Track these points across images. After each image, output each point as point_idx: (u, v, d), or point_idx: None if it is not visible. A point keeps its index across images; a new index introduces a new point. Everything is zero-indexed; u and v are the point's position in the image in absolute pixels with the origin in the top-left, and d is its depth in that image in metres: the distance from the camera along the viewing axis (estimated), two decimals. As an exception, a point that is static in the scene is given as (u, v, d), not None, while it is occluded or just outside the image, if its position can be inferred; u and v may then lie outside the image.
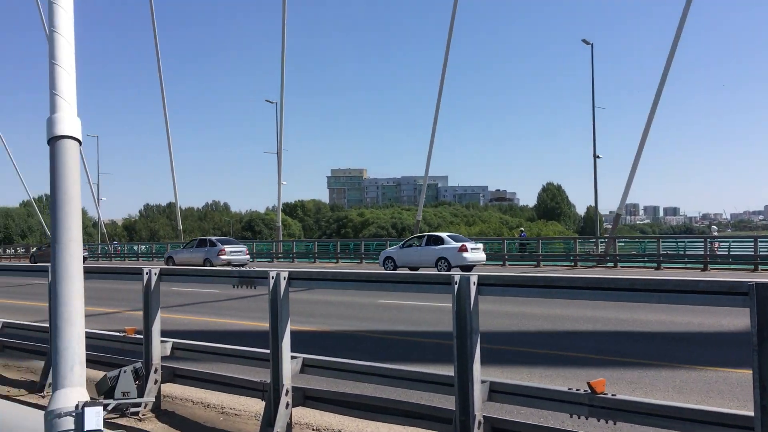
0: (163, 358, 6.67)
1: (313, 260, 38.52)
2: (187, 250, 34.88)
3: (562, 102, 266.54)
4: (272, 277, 5.64)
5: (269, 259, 41.06)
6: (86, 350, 7.93)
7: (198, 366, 6.94)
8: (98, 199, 56.23)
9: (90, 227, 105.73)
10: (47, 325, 7.95)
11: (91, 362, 7.56)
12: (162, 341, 6.69)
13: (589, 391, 4.32)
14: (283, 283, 5.60)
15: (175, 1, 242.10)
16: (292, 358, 5.66)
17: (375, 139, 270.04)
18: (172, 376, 6.67)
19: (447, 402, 5.66)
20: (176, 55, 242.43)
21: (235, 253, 33.01)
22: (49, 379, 7.49)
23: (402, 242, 29.44)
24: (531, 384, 4.74)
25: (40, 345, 8.32)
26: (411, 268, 26.27)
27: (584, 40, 36.25)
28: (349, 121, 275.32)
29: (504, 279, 4.61)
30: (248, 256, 34.41)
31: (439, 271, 25.13)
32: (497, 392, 4.70)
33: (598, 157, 36.04)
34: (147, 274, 6.66)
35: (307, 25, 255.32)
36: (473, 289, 4.58)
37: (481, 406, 4.57)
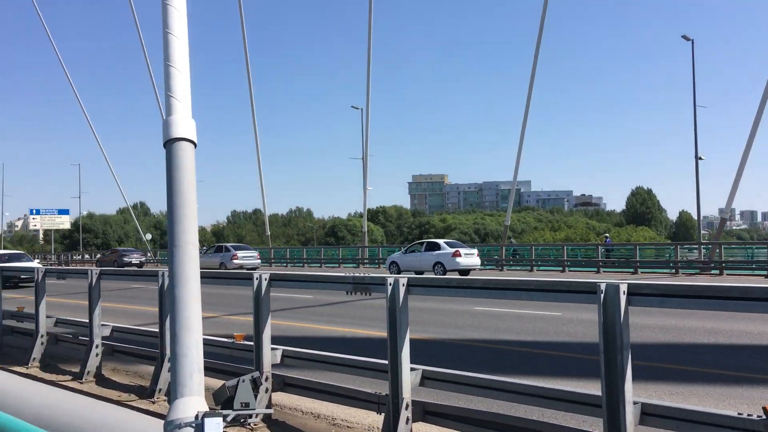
0: (273, 366, 6.49)
1: (399, 266, 38.25)
2: (207, 255, 38.13)
3: (651, 102, 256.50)
4: (390, 284, 5.33)
5: (355, 265, 41.15)
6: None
7: (306, 374, 6.72)
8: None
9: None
10: (156, 330, 7.96)
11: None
12: (272, 348, 6.50)
13: (765, 416, 3.77)
14: (402, 290, 5.28)
15: (258, 8, 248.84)
16: (411, 369, 5.32)
17: (456, 144, 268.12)
18: (282, 384, 6.46)
19: (571, 420, 5.22)
20: (260, 60, 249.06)
21: (246, 257, 36.86)
22: (159, 385, 7.47)
23: (405, 248, 31.96)
24: (693, 407, 4.19)
25: (148, 350, 8.33)
26: (416, 272, 27.64)
27: (684, 36, 34.41)
28: (430, 126, 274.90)
29: (660, 288, 4.10)
30: (259, 261, 38.30)
31: (435, 275, 26.58)
32: (650, 415, 4.20)
33: (701, 158, 34.06)
34: (257, 279, 6.49)
35: (387, 25, 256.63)
36: (623, 299, 4.13)
37: (633, 431, 4.09)
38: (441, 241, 29.78)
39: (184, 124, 5.18)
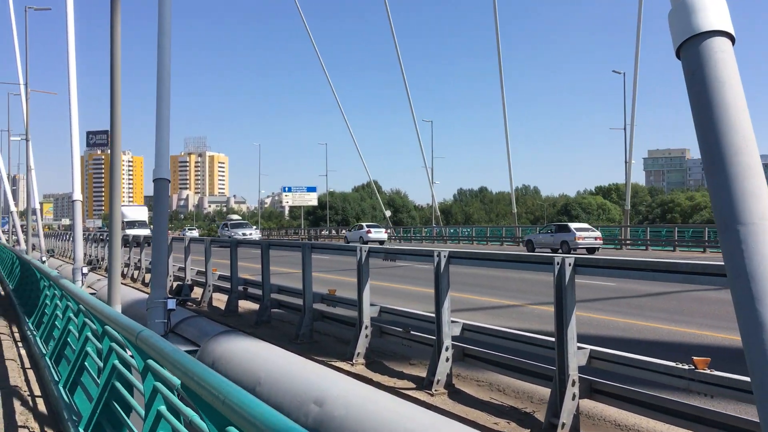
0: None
1: (673, 249, 33.70)
2: (225, 230, 52.49)
3: None
4: None
5: (616, 246, 37.10)
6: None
7: None
8: (432, 182, 57.03)
9: (412, 210, 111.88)
10: (549, 339, 5.81)
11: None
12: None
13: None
14: None
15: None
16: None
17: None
18: None
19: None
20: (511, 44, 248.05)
21: (245, 233, 48.26)
22: (562, 419, 5.30)
23: (351, 227, 51.74)
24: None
25: (535, 364, 6.14)
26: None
27: None
28: (667, 98, 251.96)
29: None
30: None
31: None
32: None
33: None
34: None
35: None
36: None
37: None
38: (364, 224, 48.80)
39: (715, 10, 2.79)
